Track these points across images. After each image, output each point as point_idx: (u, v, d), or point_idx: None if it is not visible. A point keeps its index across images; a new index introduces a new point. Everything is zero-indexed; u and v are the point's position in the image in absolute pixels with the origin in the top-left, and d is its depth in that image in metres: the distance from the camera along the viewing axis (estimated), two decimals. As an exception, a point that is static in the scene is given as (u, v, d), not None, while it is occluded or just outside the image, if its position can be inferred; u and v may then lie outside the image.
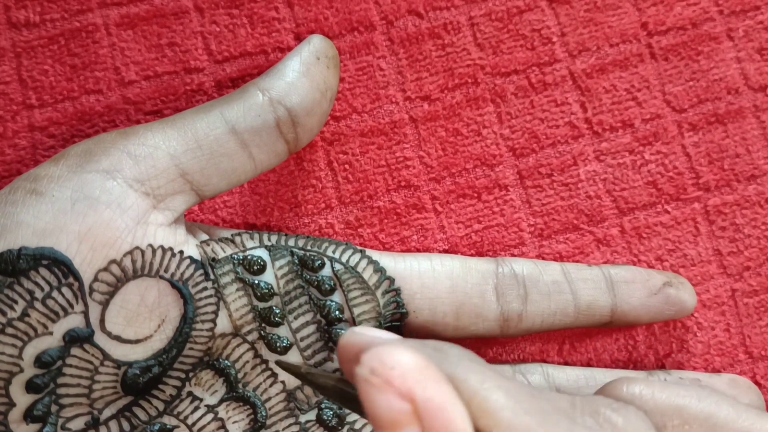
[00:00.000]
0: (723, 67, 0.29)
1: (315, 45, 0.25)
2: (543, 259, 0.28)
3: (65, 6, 0.28)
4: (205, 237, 0.25)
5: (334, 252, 0.25)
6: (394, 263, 0.25)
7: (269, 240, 0.25)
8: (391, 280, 0.25)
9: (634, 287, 0.26)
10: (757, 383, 0.28)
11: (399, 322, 0.25)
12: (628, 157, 0.29)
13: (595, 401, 0.19)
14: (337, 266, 0.25)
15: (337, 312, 0.24)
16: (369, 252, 0.25)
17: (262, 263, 0.24)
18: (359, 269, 0.25)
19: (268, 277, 0.24)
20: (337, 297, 0.24)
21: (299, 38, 0.29)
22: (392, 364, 0.16)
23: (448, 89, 0.29)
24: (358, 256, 0.25)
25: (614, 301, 0.26)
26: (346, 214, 0.28)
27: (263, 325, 0.24)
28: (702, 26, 0.29)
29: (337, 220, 0.28)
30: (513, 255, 0.28)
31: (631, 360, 0.28)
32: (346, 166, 0.28)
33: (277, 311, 0.24)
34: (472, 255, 0.28)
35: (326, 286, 0.24)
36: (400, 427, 0.16)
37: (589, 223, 0.28)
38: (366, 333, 0.19)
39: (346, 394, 0.20)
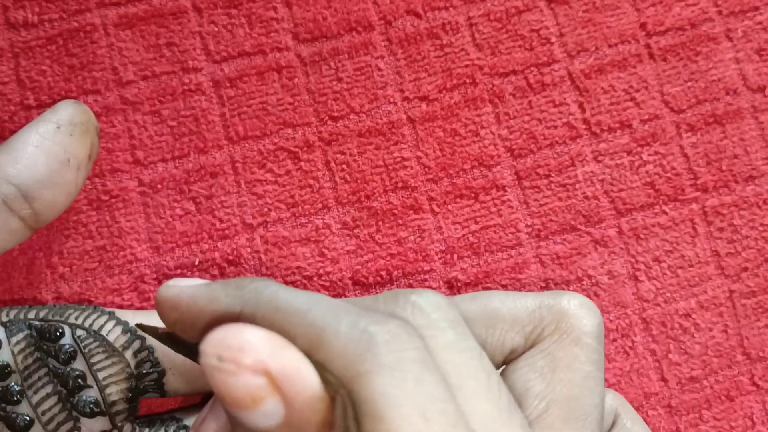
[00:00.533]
0: (721, 67, 0.29)
1: (57, 113, 0.24)
2: (540, 259, 0.28)
3: (63, 6, 0.28)
4: None
5: (76, 318, 0.24)
6: None
7: (7, 316, 0.24)
8: (143, 340, 0.24)
9: None
10: (755, 384, 0.28)
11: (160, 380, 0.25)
12: (626, 158, 0.29)
13: (396, 292, 0.20)
14: (79, 332, 0.24)
15: (79, 380, 0.24)
16: (119, 313, 0.25)
17: None
18: (104, 332, 0.24)
19: (5, 355, 0.24)
20: (79, 364, 0.24)
21: (297, 38, 0.29)
22: (239, 345, 0.16)
23: (446, 89, 0.29)
24: (104, 318, 0.24)
25: None
26: (343, 215, 0.28)
27: (3, 404, 0.24)
28: (701, 27, 0.29)
29: (334, 221, 0.28)
30: (510, 255, 0.28)
31: (628, 362, 0.28)
32: (344, 167, 0.28)
33: (17, 389, 0.24)
34: (468, 256, 0.28)
35: (64, 354, 0.24)
36: (261, 402, 0.16)
37: (586, 223, 0.28)
38: (179, 284, 0.19)
39: (178, 340, 0.20)
